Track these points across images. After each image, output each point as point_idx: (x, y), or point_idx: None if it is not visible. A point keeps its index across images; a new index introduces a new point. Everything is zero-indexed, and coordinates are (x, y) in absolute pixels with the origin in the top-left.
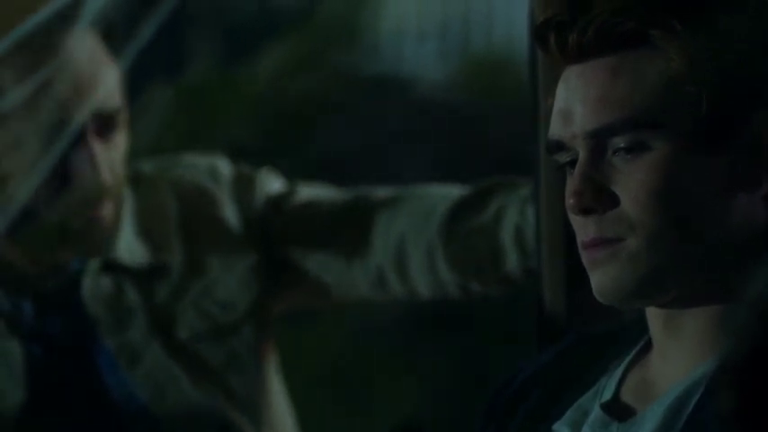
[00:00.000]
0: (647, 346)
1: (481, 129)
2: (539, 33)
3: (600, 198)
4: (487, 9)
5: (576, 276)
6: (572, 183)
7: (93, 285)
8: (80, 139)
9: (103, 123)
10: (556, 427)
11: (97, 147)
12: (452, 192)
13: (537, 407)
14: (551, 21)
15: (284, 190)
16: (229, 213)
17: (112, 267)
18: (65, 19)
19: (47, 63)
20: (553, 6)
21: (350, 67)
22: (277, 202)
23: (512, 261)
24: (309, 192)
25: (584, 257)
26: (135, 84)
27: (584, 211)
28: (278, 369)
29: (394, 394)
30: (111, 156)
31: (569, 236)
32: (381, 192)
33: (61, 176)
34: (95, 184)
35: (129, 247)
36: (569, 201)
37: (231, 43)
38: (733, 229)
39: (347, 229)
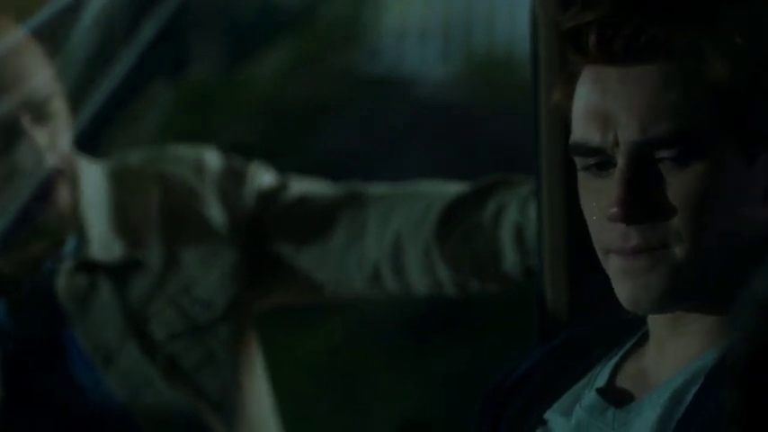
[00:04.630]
0: (643, 338)
1: (483, 128)
2: (573, 32)
3: (645, 207)
4: (489, 9)
5: (578, 275)
6: (614, 191)
7: (68, 284)
8: (17, 129)
9: (37, 111)
10: (547, 414)
11: (36, 132)
12: (449, 188)
13: (529, 399)
14: (592, 21)
15: (276, 185)
16: (213, 209)
17: (86, 266)
18: (67, 18)
19: None
20: (555, 6)
21: (351, 67)
22: (268, 198)
23: (511, 260)
24: (302, 187)
25: (616, 264)
26: (136, 83)
27: (630, 220)
28: (262, 369)
29: (394, 394)
30: (54, 140)
31: (571, 234)
32: (376, 187)
33: (8, 171)
34: (42, 167)
35: (104, 242)
36: (612, 209)
37: (233, 43)
38: (761, 234)
39: (341, 225)
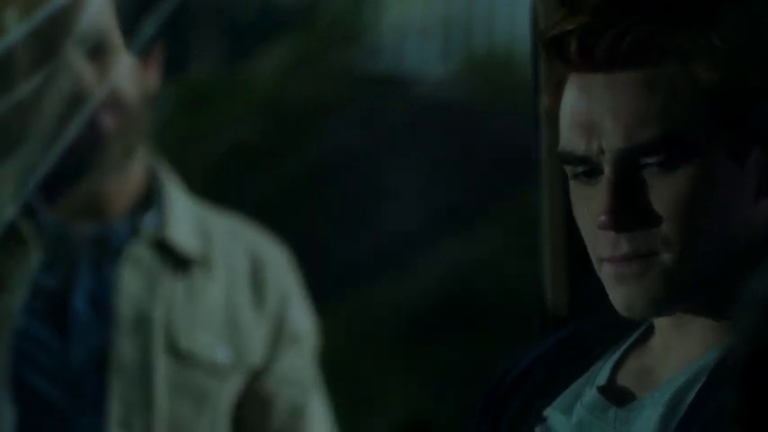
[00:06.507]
0: (646, 335)
1: (483, 128)
2: (554, 38)
3: (634, 214)
4: (489, 8)
5: (578, 275)
6: (601, 199)
7: (140, 255)
8: (65, 63)
9: (93, 47)
10: (547, 411)
11: (85, 67)
12: None
13: (529, 396)
14: (573, 30)
15: None
16: None
17: (161, 246)
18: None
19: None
20: (555, 6)
21: (352, 66)
22: None
23: None
24: None
25: (609, 272)
26: None
27: (619, 227)
28: None
29: (394, 394)
30: (104, 73)
31: (570, 236)
32: None
33: (56, 106)
34: (87, 102)
35: (186, 233)
36: (600, 217)
37: (233, 43)
38: (755, 234)
39: None
